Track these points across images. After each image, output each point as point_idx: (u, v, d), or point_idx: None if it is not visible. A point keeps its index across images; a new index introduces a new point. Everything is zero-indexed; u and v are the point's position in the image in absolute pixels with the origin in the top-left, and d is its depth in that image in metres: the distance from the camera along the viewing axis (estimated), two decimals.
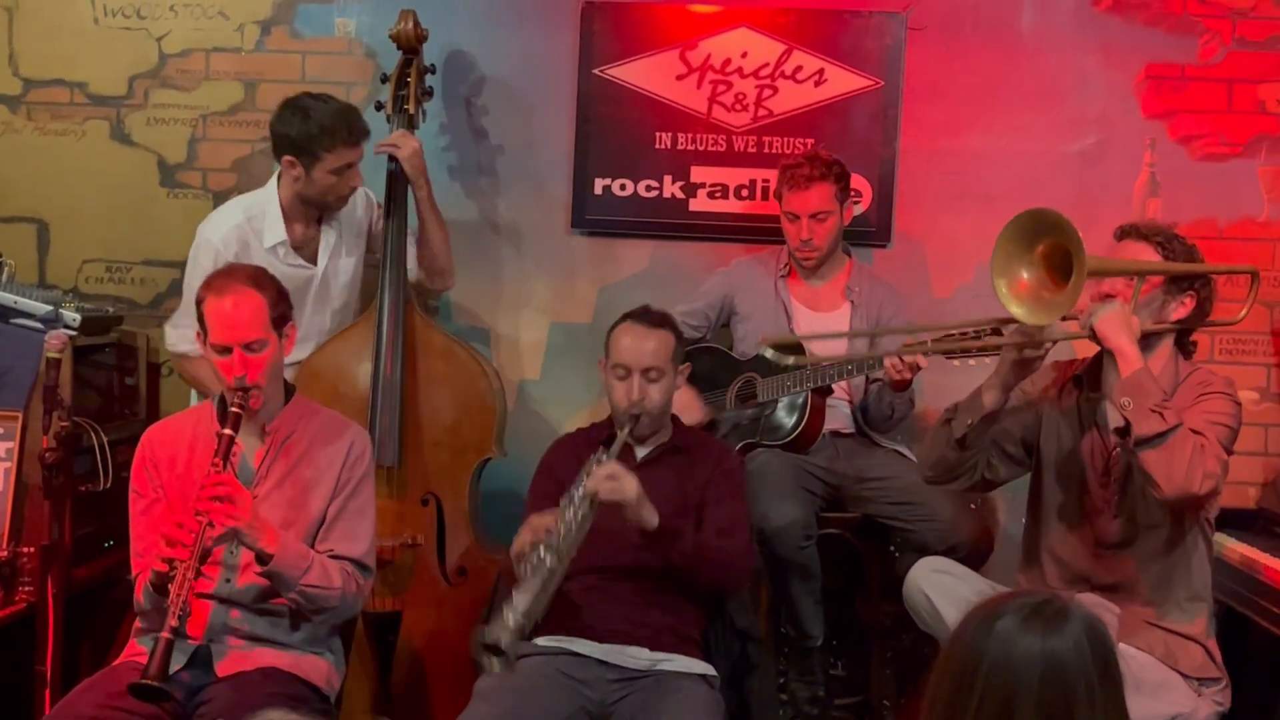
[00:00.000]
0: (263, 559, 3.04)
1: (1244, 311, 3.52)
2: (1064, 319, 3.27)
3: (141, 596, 3.14)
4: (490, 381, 4.18)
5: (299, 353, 4.06)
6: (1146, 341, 3.27)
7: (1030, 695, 1.83)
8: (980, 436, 3.41)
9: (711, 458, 3.58)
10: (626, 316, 3.60)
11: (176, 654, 3.01)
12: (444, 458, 4.15)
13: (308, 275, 4.19)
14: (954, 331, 3.55)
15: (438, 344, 4.18)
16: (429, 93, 4.43)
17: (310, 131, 3.99)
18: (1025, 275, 3.19)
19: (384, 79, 4.39)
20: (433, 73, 4.48)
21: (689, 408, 4.16)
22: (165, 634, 2.88)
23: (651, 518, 3.27)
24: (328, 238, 4.23)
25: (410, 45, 4.37)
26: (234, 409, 3.11)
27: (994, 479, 3.54)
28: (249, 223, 4.12)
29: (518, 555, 3.27)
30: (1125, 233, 3.40)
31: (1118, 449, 3.30)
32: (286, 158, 4.05)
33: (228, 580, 3.19)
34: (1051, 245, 3.15)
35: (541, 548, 3.15)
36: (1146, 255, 3.31)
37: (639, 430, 3.50)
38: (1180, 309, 3.33)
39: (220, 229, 4.11)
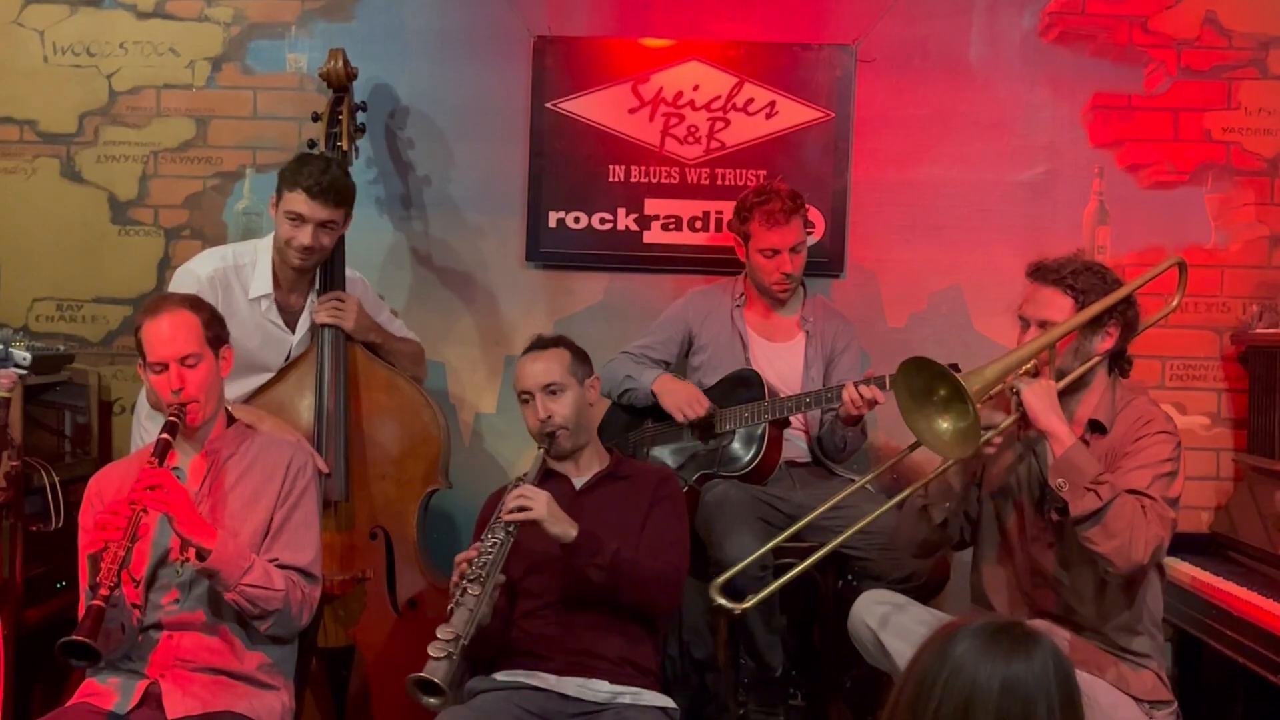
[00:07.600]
0: (201, 554, 3.01)
1: (1175, 301, 3.53)
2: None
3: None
4: (434, 413, 4.17)
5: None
6: (1081, 380, 3.27)
7: (989, 702, 1.86)
8: (959, 515, 3.43)
9: (651, 483, 3.57)
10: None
11: (129, 690, 3.05)
12: (391, 490, 4.14)
13: (282, 337, 4.13)
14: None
15: (380, 377, 4.16)
16: (361, 129, 4.43)
17: (285, 170, 3.97)
18: (944, 424, 3.14)
19: (315, 118, 4.36)
20: (364, 110, 4.48)
21: (694, 399, 4.19)
22: (97, 602, 2.81)
23: (569, 530, 3.26)
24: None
25: (340, 83, 4.36)
26: (171, 418, 3.12)
27: (967, 539, 3.55)
28: (237, 270, 4.03)
29: (449, 594, 3.26)
30: (1034, 275, 3.34)
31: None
32: (271, 197, 4.02)
33: (177, 602, 3.15)
34: (946, 388, 3.10)
35: (464, 580, 3.16)
36: (1058, 301, 3.25)
37: (557, 447, 3.50)
38: (1106, 340, 3.28)
39: (210, 264, 4.02)
